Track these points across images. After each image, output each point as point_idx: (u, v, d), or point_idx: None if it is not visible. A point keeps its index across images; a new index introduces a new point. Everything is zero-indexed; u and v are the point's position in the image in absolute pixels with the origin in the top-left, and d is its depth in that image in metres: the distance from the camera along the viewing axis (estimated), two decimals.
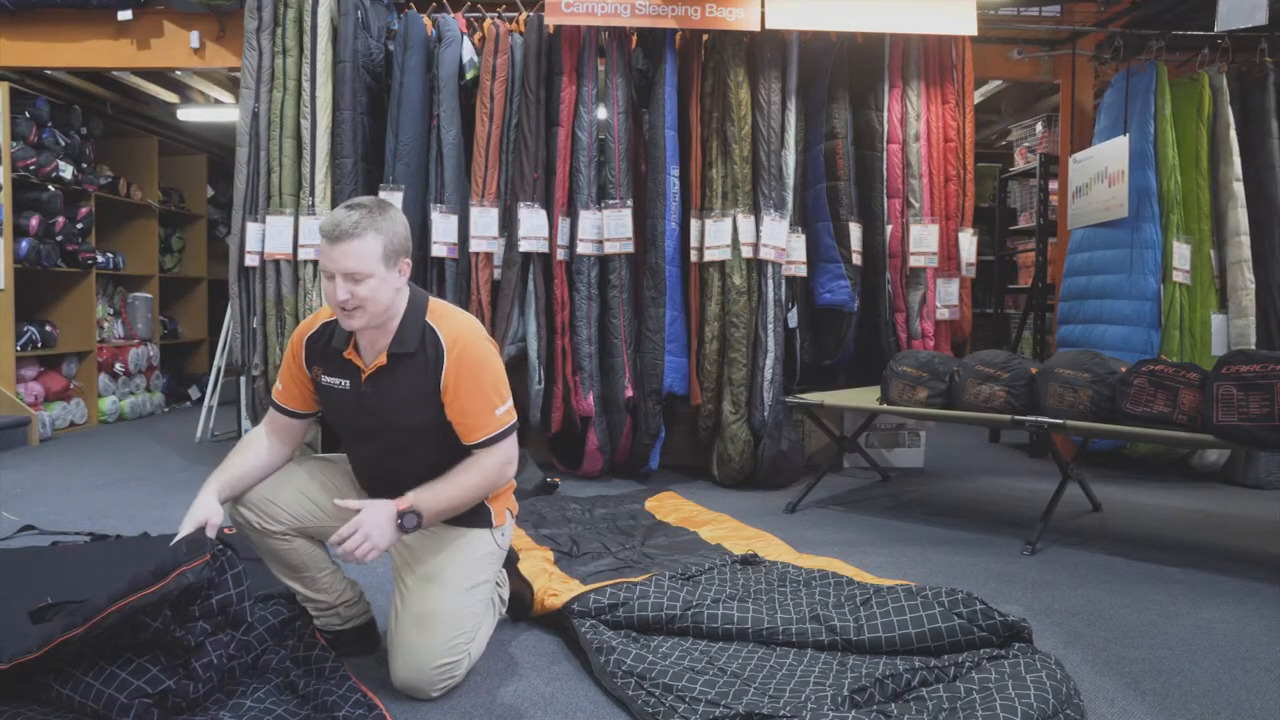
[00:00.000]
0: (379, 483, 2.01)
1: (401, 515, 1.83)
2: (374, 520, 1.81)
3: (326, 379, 1.98)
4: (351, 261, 1.80)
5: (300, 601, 2.08)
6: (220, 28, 4.76)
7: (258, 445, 2.01)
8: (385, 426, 1.95)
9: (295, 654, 1.98)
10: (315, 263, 4.08)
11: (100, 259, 5.92)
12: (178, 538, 1.76)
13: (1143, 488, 4.20)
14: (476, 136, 4.13)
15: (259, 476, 1.98)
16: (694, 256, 4.18)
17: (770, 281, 4.11)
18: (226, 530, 2.66)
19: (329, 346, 1.98)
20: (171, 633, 1.71)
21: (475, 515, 2.00)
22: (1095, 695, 1.96)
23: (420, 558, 1.96)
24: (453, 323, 1.95)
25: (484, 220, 4.13)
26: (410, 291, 1.95)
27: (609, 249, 4.11)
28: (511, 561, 2.39)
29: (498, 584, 2.26)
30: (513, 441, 1.97)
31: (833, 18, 4.09)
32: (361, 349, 1.95)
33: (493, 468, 1.94)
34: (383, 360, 1.91)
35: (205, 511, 1.83)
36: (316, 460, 2.10)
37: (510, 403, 1.97)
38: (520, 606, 2.36)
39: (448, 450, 1.95)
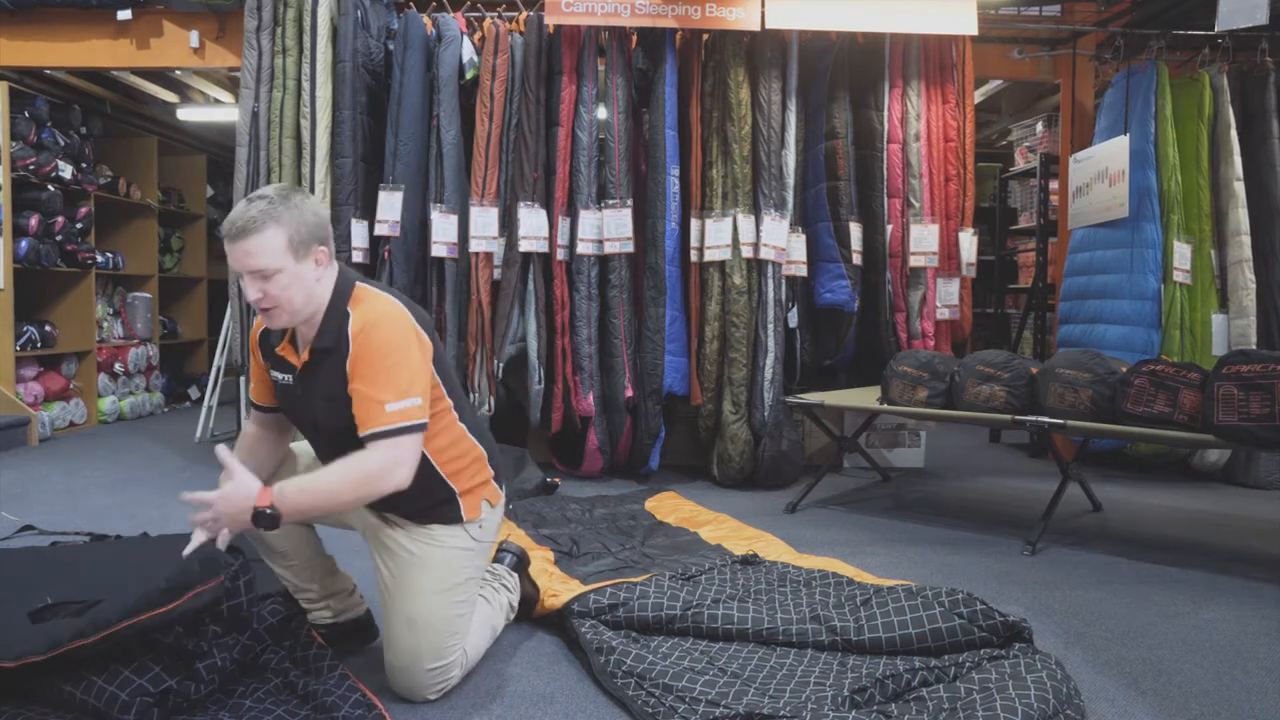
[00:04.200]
0: None
1: (257, 513, 1.70)
2: (229, 510, 1.70)
3: (275, 374, 1.94)
4: (255, 259, 1.70)
5: (293, 594, 2.06)
6: (220, 27, 4.76)
7: (257, 442, 2.00)
8: (318, 425, 1.89)
9: (294, 654, 1.97)
10: None
11: (100, 259, 5.92)
12: (189, 548, 1.72)
13: (1143, 488, 4.19)
14: (476, 136, 4.12)
15: (269, 472, 1.96)
16: (694, 256, 4.17)
17: (770, 281, 4.11)
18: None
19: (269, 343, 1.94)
20: (182, 644, 1.71)
21: (442, 511, 1.94)
22: (1095, 695, 1.95)
23: (395, 560, 1.93)
24: (365, 309, 1.80)
25: (484, 220, 4.12)
26: (338, 280, 1.84)
27: (609, 249, 4.11)
28: (523, 565, 2.36)
29: (508, 589, 2.25)
30: (406, 444, 1.74)
31: (833, 18, 4.08)
32: (297, 343, 1.89)
33: (373, 466, 1.72)
34: (306, 356, 1.84)
35: (247, 487, 1.73)
36: (300, 446, 2.07)
37: (414, 402, 1.75)
38: (523, 607, 2.35)
39: None
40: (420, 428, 1.78)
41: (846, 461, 4.55)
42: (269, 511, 1.70)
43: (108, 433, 5.61)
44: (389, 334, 1.78)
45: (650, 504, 3.65)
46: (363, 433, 1.74)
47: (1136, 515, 3.67)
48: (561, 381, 4.13)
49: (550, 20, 4.01)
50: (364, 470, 1.73)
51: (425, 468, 1.85)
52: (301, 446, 2.06)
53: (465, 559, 1.97)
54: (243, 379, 5.08)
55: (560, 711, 1.88)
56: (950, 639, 2.03)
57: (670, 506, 3.60)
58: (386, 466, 1.73)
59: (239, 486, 1.71)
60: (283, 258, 1.72)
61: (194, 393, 7.09)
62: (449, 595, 1.92)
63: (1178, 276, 4.23)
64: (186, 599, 1.61)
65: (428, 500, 1.91)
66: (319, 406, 1.85)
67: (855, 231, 4.20)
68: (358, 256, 4.05)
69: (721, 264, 4.11)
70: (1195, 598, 2.63)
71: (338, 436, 1.81)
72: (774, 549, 2.93)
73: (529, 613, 2.36)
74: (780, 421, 4.09)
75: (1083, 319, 4.54)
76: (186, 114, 6.38)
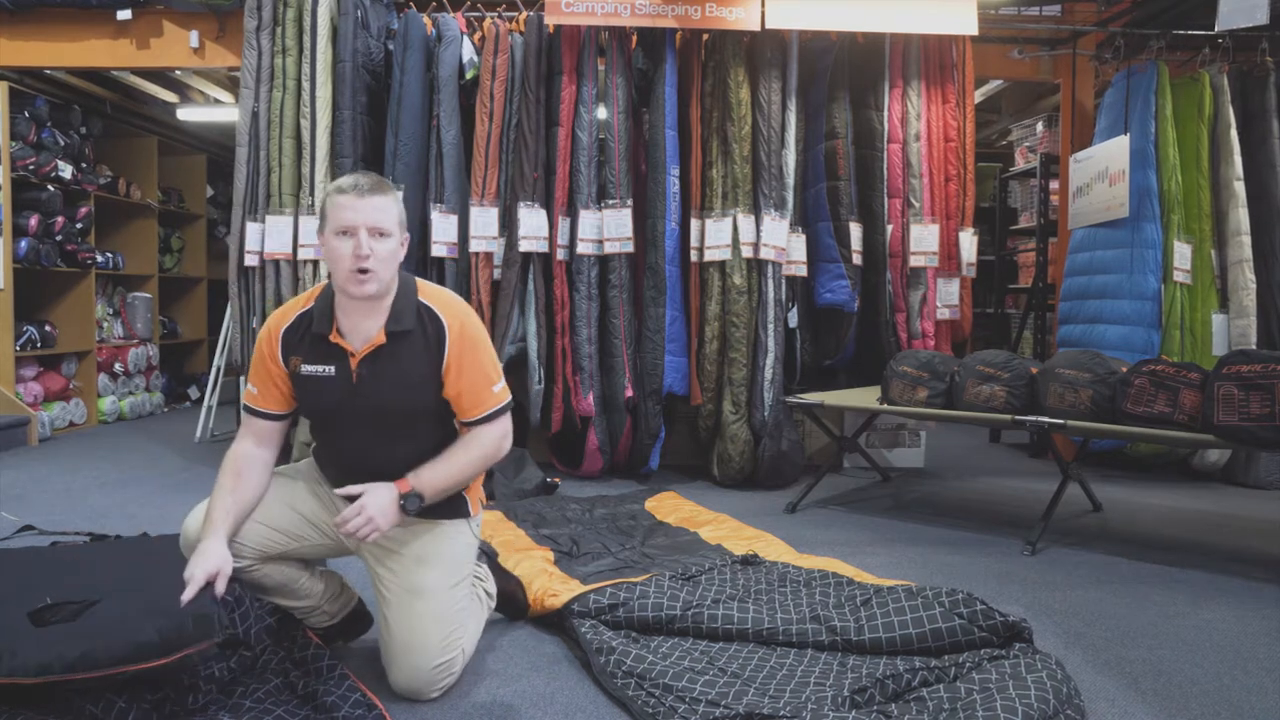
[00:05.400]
0: (362, 477, 1.89)
1: (404, 498, 1.85)
2: (377, 504, 1.82)
3: (308, 368, 1.90)
4: (379, 215, 1.81)
5: (287, 610, 2.04)
6: (220, 27, 4.76)
7: (248, 465, 1.92)
8: (379, 411, 1.89)
9: (293, 654, 1.97)
10: (316, 263, 4.08)
11: (100, 259, 5.92)
12: (187, 594, 1.69)
13: (1143, 488, 4.19)
14: (476, 136, 4.12)
15: (257, 501, 1.92)
16: (694, 256, 4.17)
17: (770, 281, 4.10)
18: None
19: (309, 333, 1.91)
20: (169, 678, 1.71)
21: (453, 506, 1.98)
22: (1096, 695, 1.95)
23: (400, 560, 1.93)
24: (445, 300, 1.95)
25: (484, 220, 4.12)
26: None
27: (609, 249, 4.10)
28: (492, 557, 2.40)
29: (480, 578, 2.26)
30: (508, 419, 1.99)
31: (833, 17, 4.08)
32: (346, 332, 1.89)
33: (492, 441, 1.96)
34: (381, 339, 1.87)
35: (216, 562, 1.74)
36: (275, 481, 2.00)
37: (504, 380, 1.99)
38: (517, 606, 2.35)
39: (442, 433, 1.97)
40: (512, 402, 2.02)
41: (846, 461, 4.55)
42: (413, 493, 1.86)
43: (108, 433, 5.61)
44: (478, 323, 1.96)
45: (650, 504, 3.65)
46: (476, 415, 1.94)
47: (1136, 515, 3.67)
48: (561, 381, 4.13)
49: (550, 20, 4.01)
50: (484, 448, 1.95)
51: None
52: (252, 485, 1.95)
53: (468, 553, 2.02)
54: (243, 378, 5.08)
55: (560, 711, 1.88)
56: (950, 639, 2.03)
57: (670, 506, 3.60)
58: (500, 438, 1.98)
59: (374, 491, 1.85)
60: (396, 225, 1.86)
61: (194, 393, 7.09)
62: (456, 590, 1.96)
63: (1178, 276, 4.23)
64: (177, 657, 1.60)
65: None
66: (389, 391, 1.89)
67: (855, 231, 4.20)
68: None
69: (721, 264, 4.11)
70: (1195, 597, 2.63)
71: (399, 419, 1.90)
72: (774, 549, 2.93)
73: (524, 612, 2.36)
74: (780, 421, 4.09)
75: (1083, 319, 4.54)
76: (186, 114, 6.38)
